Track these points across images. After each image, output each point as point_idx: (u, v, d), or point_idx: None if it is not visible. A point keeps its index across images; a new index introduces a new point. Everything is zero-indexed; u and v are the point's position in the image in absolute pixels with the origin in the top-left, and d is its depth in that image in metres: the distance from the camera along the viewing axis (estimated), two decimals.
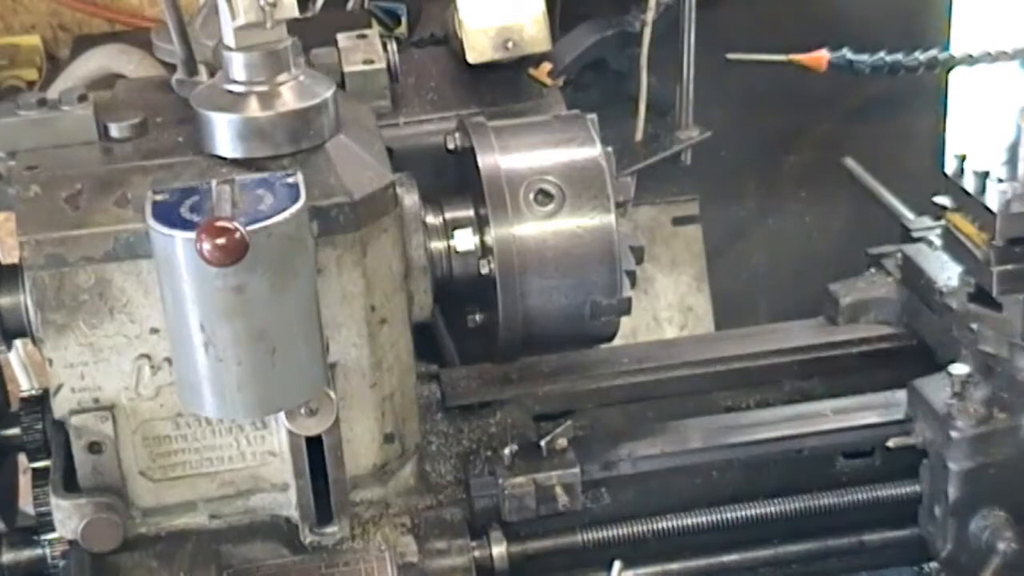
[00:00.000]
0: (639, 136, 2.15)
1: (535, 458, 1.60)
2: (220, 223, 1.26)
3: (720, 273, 2.44)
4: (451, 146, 1.60)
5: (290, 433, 1.45)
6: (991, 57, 2.13)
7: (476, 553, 1.57)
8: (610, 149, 1.58)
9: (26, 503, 1.62)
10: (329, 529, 1.52)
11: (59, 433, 1.49)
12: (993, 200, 1.57)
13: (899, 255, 1.82)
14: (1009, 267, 1.59)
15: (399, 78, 1.71)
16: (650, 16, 2.07)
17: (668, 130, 2.20)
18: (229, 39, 1.44)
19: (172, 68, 1.65)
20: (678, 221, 2.41)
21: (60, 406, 1.45)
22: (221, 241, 1.25)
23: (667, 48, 2.14)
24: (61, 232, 1.39)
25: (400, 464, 1.57)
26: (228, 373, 1.33)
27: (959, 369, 1.60)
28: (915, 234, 1.84)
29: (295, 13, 1.43)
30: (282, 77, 1.44)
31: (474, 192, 1.56)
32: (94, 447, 1.46)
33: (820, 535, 1.69)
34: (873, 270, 1.85)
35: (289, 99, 1.44)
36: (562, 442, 1.60)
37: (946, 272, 1.72)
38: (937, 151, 2.43)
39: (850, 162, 2.11)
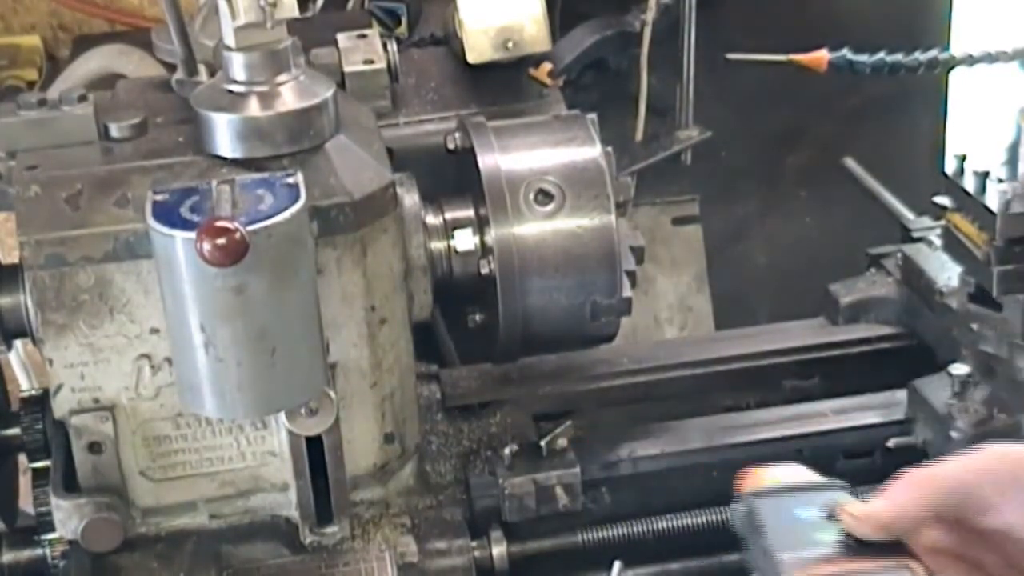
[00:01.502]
0: (639, 136, 2.15)
1: (535, 458, 1.60)
2: (220, 223, 1.26)
3: (720, 273, 2.44)
4: (451, 146, 1.60)
5: (290, 433, 1.45)
6: (991, 57, 2.12)
7: (476, 553, 1.57)
8: (610, 149, 1.58)
9: (26, 503, 1.62)
10: (329, 529, 1.52)
11: (59, 433, 1.49)
12: (993, 200, 1.57)
13: (899, 255, 1.82)
14: (1009, 267, 1.59)
15: (399, 78, 1.71)
16: (650, 16, 2.07)
17: (668, 130, 2.20)
18: (229, 39, 1.44)
19: (172, 68, 1.65)
20: (678, 221, 2.41)
21: (60, 406, 1.45)
22: (221, 241, 1.25)
23: (667, 48, 2.14)
24: (61, 232, 1.39)
25: (400, 464, 1.57)
26: (228, 373, 1.33)
27: (959, 369, 1.60)
28: (915, 234, 1.85)
29: (295, 13, 1.43)
30: (282, 77, 1.44)
31: (474, 192, 1.56)
32: (94, 447, 1.46)
33: None
34: (873, 270, 1.86)
35: (289, 99, 1.44)
36: (562, 442, 1.60)
37: (946, 272, 1.72)
38: (937, 151, 2.43)
39: (850, 162, 2.11)
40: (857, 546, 1.02)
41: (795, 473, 1.10)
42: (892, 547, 1.02)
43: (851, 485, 1.07)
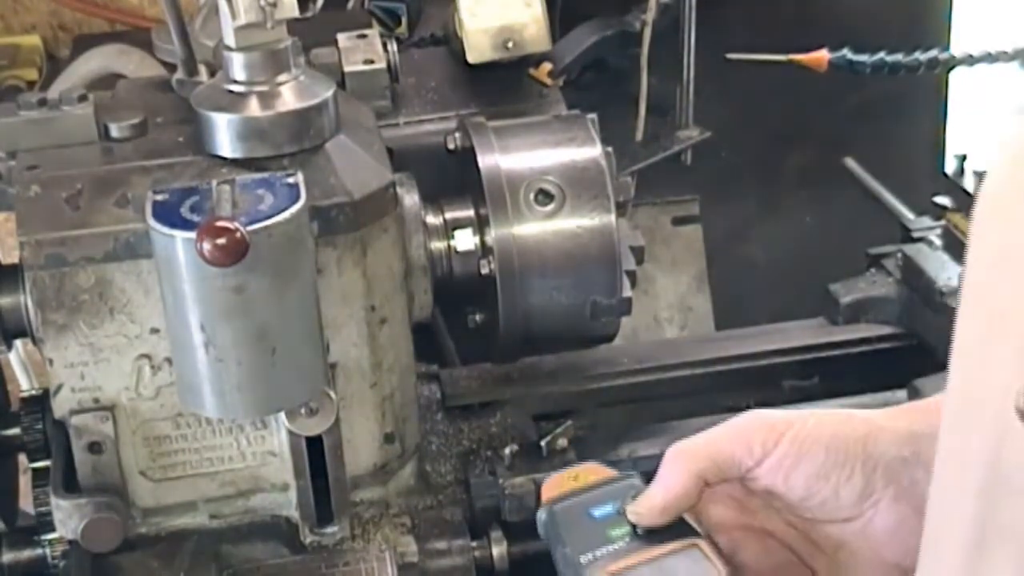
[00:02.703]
0: (639, 136, 2.14)
1: (535, 458, 1.60)
2: (220, 223, 1.26)
3: (720, 273, 2.44)
4: (451, 146, 1.60)
5: (290, 433, 1.45)
6: (991, 57, 2.12)
7: (476, 553, 1.57)
8: (610, 149, 1.58)
9: (26, 503, 1.62)
10: (329, 529, 1.52)
11: (59, 433, 1.48)
12: None
13: (899, 255, 1.82)
14: None
15: (399, 78, 1.71)
16: (650, 16, 2.07)
17: (668, 130, 2.20)
18: (229, 39, 1.44)
19: (172, 68, 1.65)
20: (678, 221, 2.41)
21: (60, 406, 1.45)
22: (221, 241, 1.25)
23: (667, 48, 2.14)
24: (61, 232, 1.39)
25: (400, 464, 1.57)
26: (228, 373, 1.33)
27: None
28: (915, 234, 1.84)
29: (295, 13, 1.43)
30: (282, 77, 1.44)
31: (474, 192, 1.56)
32: (94, 447, 1.46)
33: None
34: (873, 270, 1.85)
35: (289, 99, 1.44)
36: (562, 442, 1.60)
37: (946, 272, 1.72)
38: (937, 151, 2.43)
39: (850, 162, 2.11)
40: (647, 535, 1.04)
41: (591, 471, 1.12)
42: (681, 529, 1.04)
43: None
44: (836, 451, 1.02)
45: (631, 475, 1.10)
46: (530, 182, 1.54)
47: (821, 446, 1.02)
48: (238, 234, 1.25)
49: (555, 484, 1.11)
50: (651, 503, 1.04)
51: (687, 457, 1.05)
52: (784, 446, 1.03)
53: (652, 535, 1.04)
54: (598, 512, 1.06)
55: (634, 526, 1.04)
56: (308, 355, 1.37)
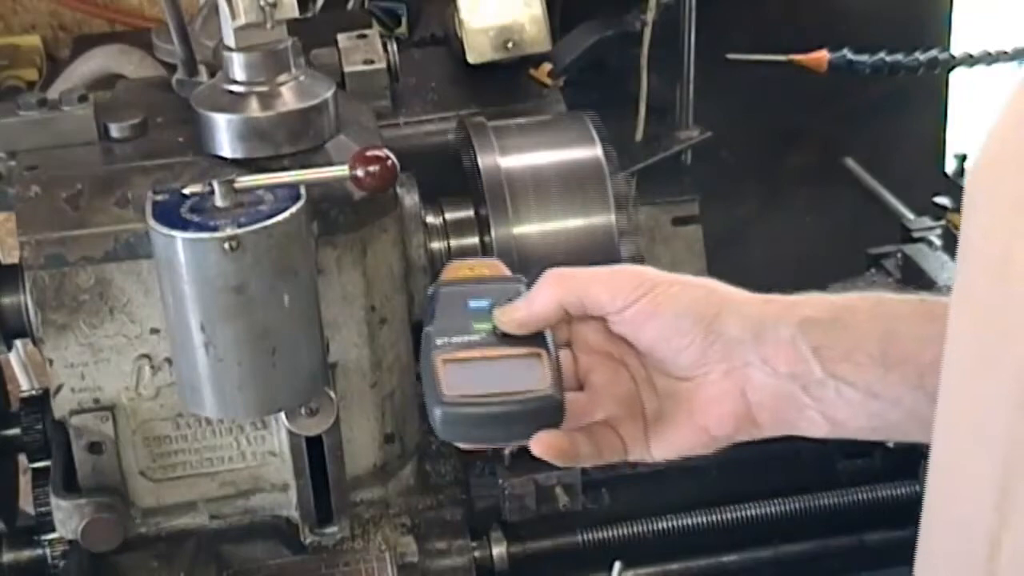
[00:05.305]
0: (639, 136, 2.14)
1: (535, 458, 1.59)
2: (372, 152, 1.28)
3: (720, 273, 2.43)
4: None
5: (290, 433, 1.45)
6: (991, 57, 2.12)
7: (476, 553, 1.57)
8: (610, 149, 1.58)
9: (26, 503, 1.62)
10: (329, 529, 1.52)
11: (59, 433, 1.49)
12: None
13: (899, 255, 1.82)
14: None
15: (399, 78, 1.71)
16: (650, 16, 2.07)
17: (668, 130, 2.20)
18: (229, 39, 1.44)
19: (172, 68, 1.65)
20: (678, 221, 2.40)
21: (60, 406, 1.45)
22: (374, 168, 1.27)
23: (667, 48, 2.14)
24: (61, 232, 1.39)
25: (400, 464, 1.57)
26: (228, 373, 1.33)
27: None
28: (915, 234, 1.84)
29: (295, 13, 1.43)
30: (282, 77, 1.44)
31: (474, 192, 1.56)
32: (94, 447, 1.46)
33: (820, 535, 1.69)
34: (873, 270, 1.85)
35: (289, 99, 1.44)
36: None
37: (946, 272, 1.72)
38: (937, 151, 2.43)
39: (850, 162, 2.11)
40: (503, 337, 1.10)
41: (488, 266, 1.19)
42: (535, 341, 1.10)
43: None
44: (683, 319, 1.11)
45: (520, 279, 1.16)
46: (530, 182, 1.54)
47: (671, 312, 1.11)
48: (389, 162, 1.30)
49: (453, 269, 1.18)
50: (513, 314, 1.12)
51: (559, 285, 1.13)
52: (642, 303, 1.11)
53: (508, 338, 1.10)
54: (473, 304, 1.13)
55: (495, 326, 1.11)
56: (308, 355, 1.37)
